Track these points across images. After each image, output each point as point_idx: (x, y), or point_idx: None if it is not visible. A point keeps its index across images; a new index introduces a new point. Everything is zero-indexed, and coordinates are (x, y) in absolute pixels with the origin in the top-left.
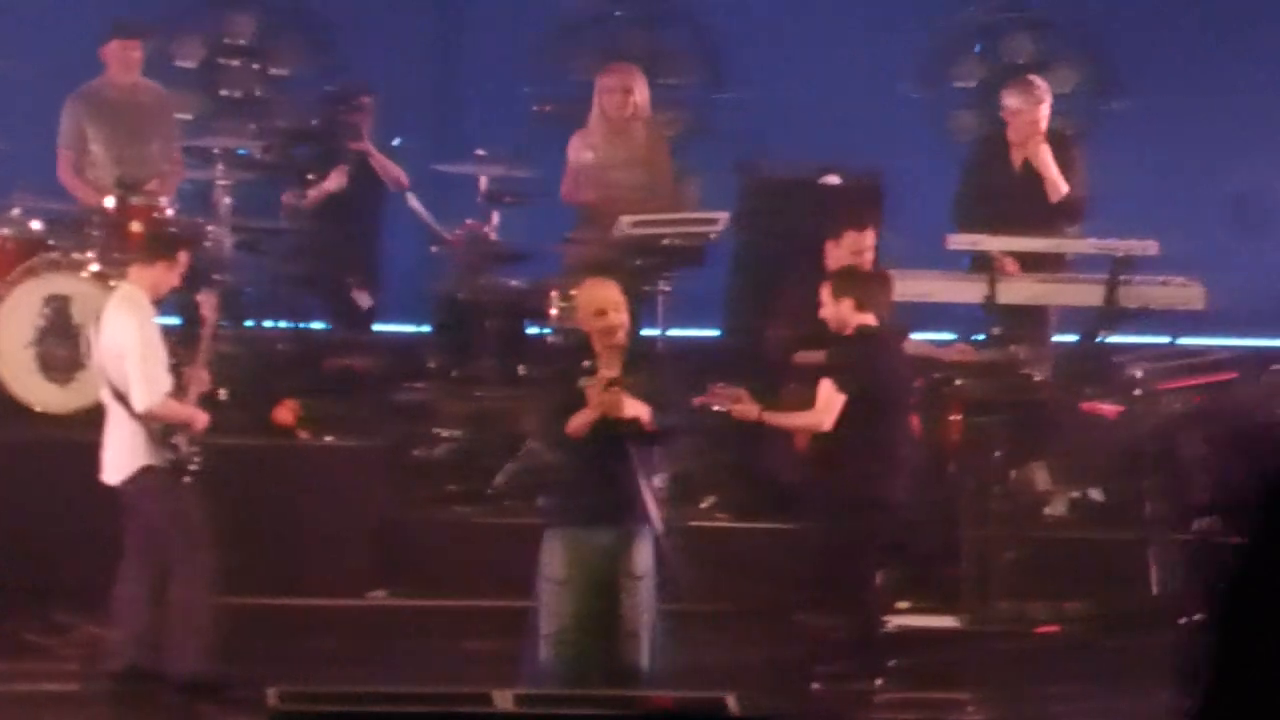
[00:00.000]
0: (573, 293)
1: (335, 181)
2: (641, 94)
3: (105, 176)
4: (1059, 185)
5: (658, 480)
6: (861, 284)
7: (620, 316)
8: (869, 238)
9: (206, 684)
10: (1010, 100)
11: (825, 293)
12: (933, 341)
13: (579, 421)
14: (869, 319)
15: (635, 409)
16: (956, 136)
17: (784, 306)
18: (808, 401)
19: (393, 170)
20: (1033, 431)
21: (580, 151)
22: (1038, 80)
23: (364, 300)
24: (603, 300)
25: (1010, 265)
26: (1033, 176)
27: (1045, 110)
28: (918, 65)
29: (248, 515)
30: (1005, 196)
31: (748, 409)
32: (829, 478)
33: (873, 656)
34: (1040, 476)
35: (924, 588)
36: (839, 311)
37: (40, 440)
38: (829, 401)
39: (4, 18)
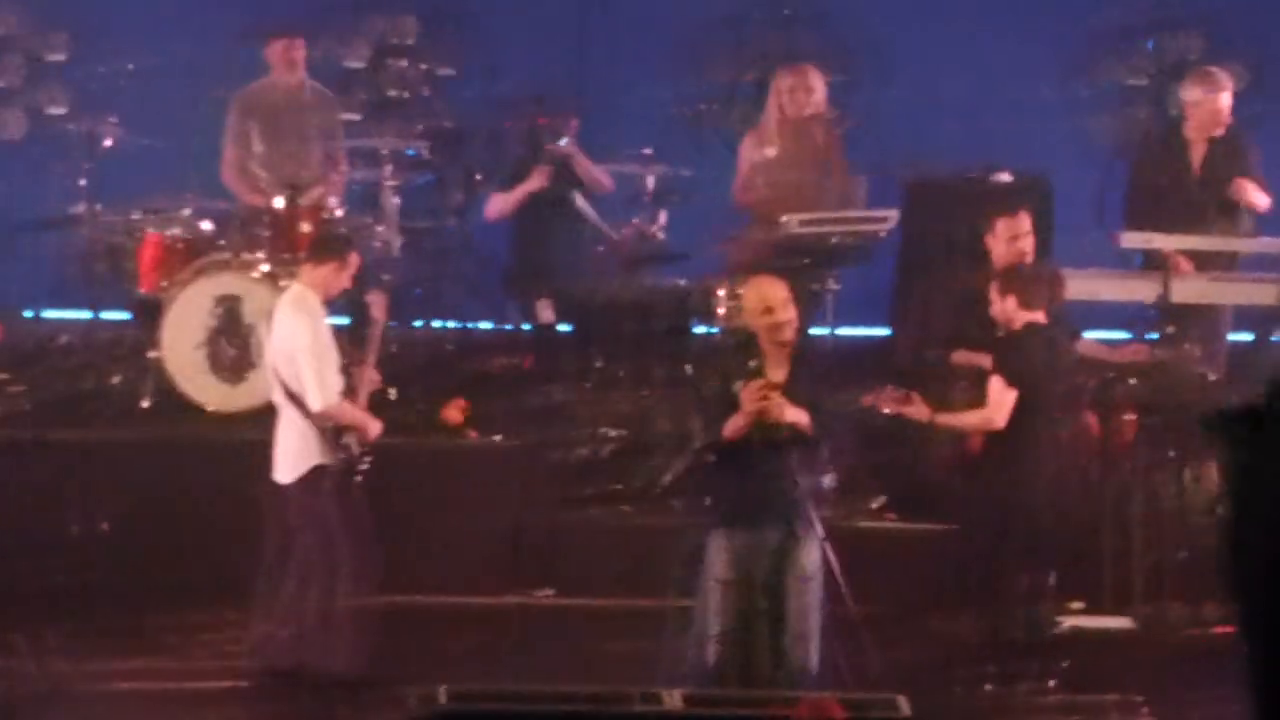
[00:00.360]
0: (740, 291)
1: (536, 182)
2: (820, 93)
3: (269, 177)
4: (1257, 203)
5: (826, 480)
6: (1027, 281)
7: (787, 314)
8: (1023, 222)
9: (368, 682)
10: (1190, 93)
11: (993, 290)
12: (1105, 341)
13: (734, 425)
14: (1035, 316)
15: (794, 414)
16: (1124, 134)
17: (948, 305)
18: (973, 401)
19: (598, 175)
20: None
21: (755, 152)
22: (1218, 71)
23: (546, 313)
24: (770, 298)
25: (1184, 264)
26: (1212, 172)
27: (1226, 101)
28: (1082, 63)
29: (412, 514)
30: (1181, 193)
31: (919, 410)
32: (997, 478)
33: (1035, 659)
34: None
35: (1096, 588)
36: (1005, 308)
37: (211, 439)
38: (1000, 398)
39: (174, 17)
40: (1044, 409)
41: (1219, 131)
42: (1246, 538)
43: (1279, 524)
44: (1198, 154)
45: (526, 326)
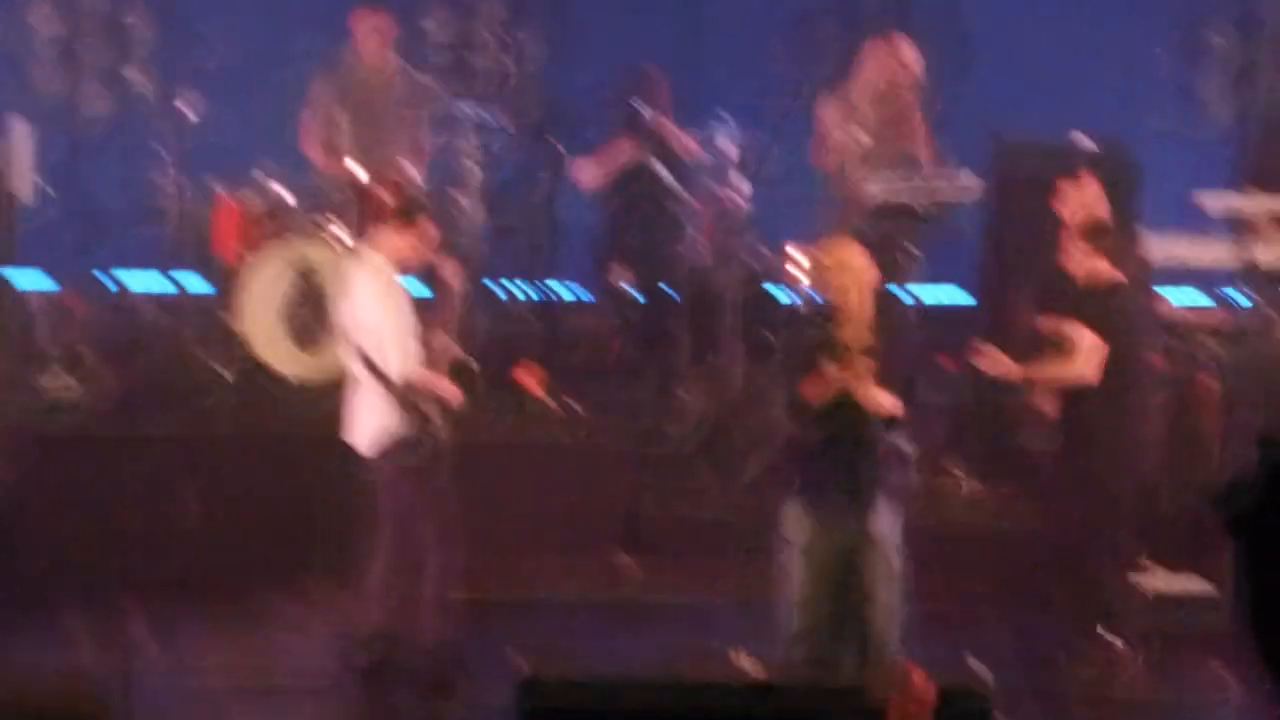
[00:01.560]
0: (821, 258)
1: (627, 154)
2: (912, 64)
3: (352, 150)
4: None
5: (907, 448)
6: (1112, 238)
7: (865, 279)
8: (1089, 187)
9: (454, 666)
10: None
11: (1075, 247)
12: (1189, 305)
13: (817, 391)
14: (1118, 275)
15: (872, 387)
16: (1212, 105)
17: (1034, 272)
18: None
19: (688, 144)
20: None
21: (837, 115)
22: None
23: (622, 277)
24: (849, 262)
25: (1271, 228)
26: None
27: None
28: (1168, 24)
29: (497, 487)
30: None
31: (1012, 369)
32: (1090, 438)
33: (1119, 630)
34: None
35: (1180, 555)
36: (1089, 265)
37: (293, 409)
38: (1091, 351)
39: None
40: (1134, 366)
41: None
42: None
43: None
44: None
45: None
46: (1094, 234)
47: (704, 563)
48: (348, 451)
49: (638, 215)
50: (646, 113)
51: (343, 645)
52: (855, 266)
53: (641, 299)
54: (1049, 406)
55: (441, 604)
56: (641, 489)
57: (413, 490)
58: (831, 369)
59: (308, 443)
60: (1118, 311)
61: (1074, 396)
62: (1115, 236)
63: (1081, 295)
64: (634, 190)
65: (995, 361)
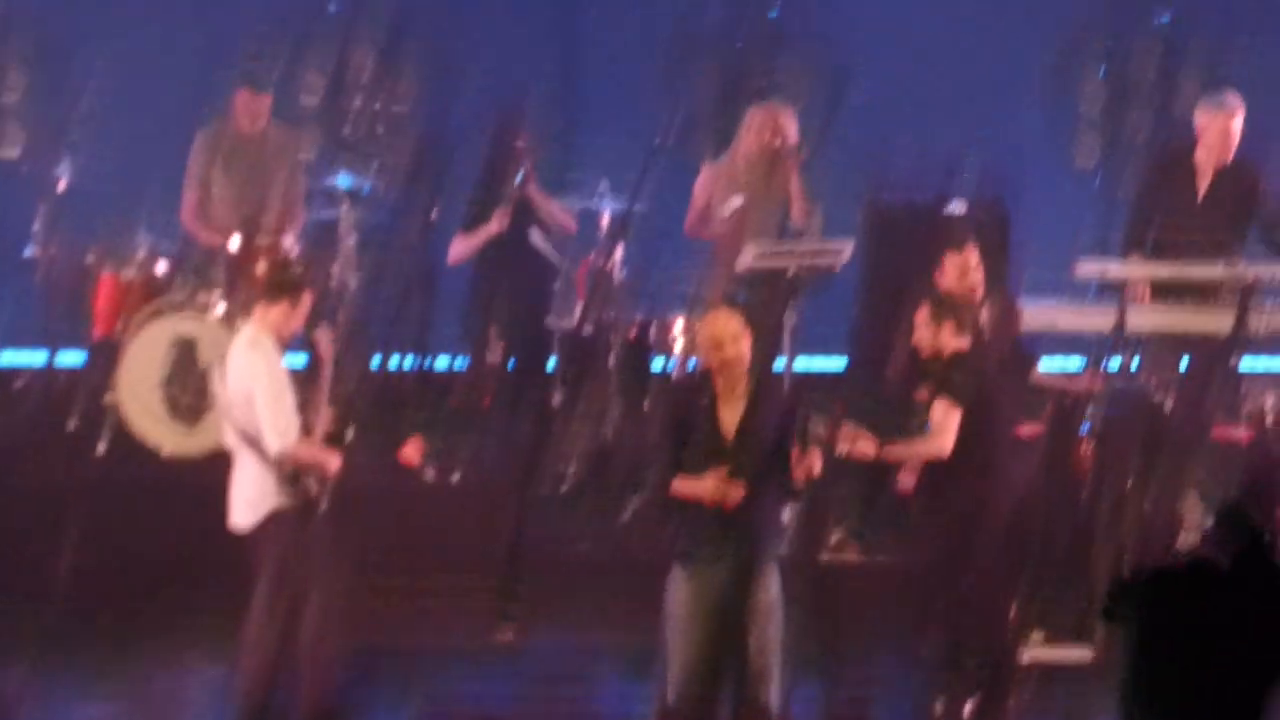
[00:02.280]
0: (698, 325)
1: (496, 224)
2: (792, 131)
3: (228, 218)
4: None
5: (785, 514)
6: (958, 308)
7: (736, 350)
8: (971, 257)
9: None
10: (1202, 116)
11: (922, 318)
12: (1063, 369)
13: (685, 489)
14: (964, 343)
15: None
16: (1078, 160)
17: (906, 336)
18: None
19: (559, 215)
20: (1165, 459)
21: (715, 184)
22: (1231, 96)
23: (495, 353)
24: (720, 333)
25: (1142, 292)
26: (1219, 201)
27: (1238, 125)
28: (1039, 88)
29: (375, 554)
30: (1186, 220)
31: (867, 447)
32: (944, 504)
33: (1004, 682)
34: (1191, 506)
35: (1057, 619)
36: (938, 335)
37: (169, 482)
38: (945, 422)
39: (130, 58)
40: (990, 431)
41: (1228, 158)
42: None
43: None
44: (1204, 181)
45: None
46: (945, 303)
47: (585, 609)
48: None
49: (509, 282)
50: (517, 181)
51: (223, 703)
52: (722, 334)
53: (513, 363)
54: (908, 480)
55: (323, 657)
56: (520, 534)
57: (290, 555)
58: (705, 492)
59: (183, 512)
60: (968, 380)
61: (931, 466)
62: (965, 304)
63: (933, 366)
64: (506, 256)
65: (854, 441)
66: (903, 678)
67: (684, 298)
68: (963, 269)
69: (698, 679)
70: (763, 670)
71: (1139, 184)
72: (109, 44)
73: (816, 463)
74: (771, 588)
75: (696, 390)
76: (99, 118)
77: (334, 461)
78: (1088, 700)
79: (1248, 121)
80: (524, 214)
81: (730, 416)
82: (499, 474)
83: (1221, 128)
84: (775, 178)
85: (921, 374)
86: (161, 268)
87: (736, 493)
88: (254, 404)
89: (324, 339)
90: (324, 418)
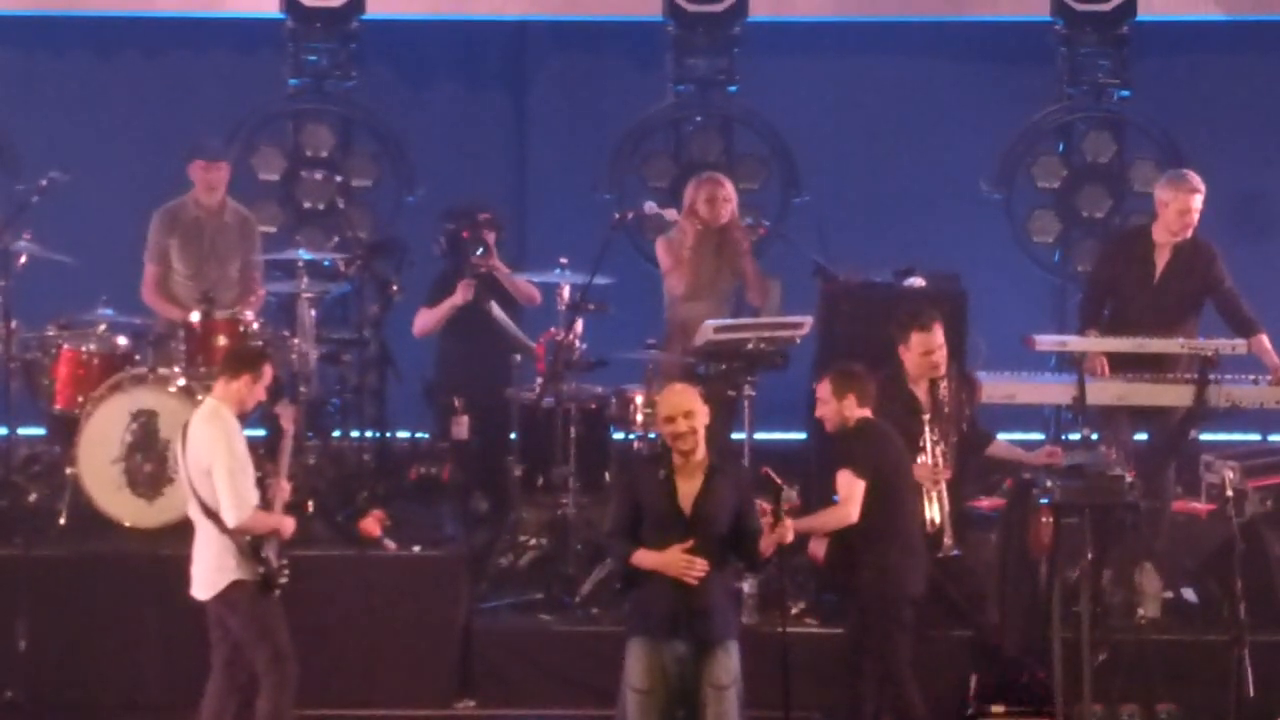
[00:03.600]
0: (657, 398)
1: (460, 296)
2: (733, 201)
3: (188, 293)
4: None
5: (746, 586)
6: (860, 380)
7: (688, 425)
8: (936, 337)
9: None
10: (1163, 193)
11: (824, 391)
12: (1020, 443)
13: (647, 561)
14: (866, 412)
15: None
16: (1036, 237)
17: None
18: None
19: (523, 287)
20: (1124, 533)
21: (667, 259)
22: (1190, 175)
23: (460, 429)
24: (673, 407)
25: (1099, 365)
26: (1177, 278)
27: (1196, 205)
28: (996, 165)
29: (332, 626)
30: (1144, 297)
31: (783, 533)
32: (854, 574)
33: None
34: (1149, 577)
35: (1016, 691)
36: (841, 408)
37: (129, 555)
38: (850, 491)
39: (89, 134)
40: (891, 500)
41: (1186, 235)
42: None
43: None
44: (1163, 257)
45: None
46: (848, 376)
47: (543, 681)
48: (183, 591)
49: (474, 355)
50: (477, 256)
51: None
52: (674, 409)
53: (472, 435)
54: (817, 549)
55: None
56: (479, 606)
57: (247, 627)
58: (670, 567)
59: (141, 583)
60: (875, 441)
61: (839, 533)
62: (865, 375)
63: (836, 440)
64: (461, 331)
65: (781, 532)
66: None
67: (643, 371)
68: (928, 347)
69: None
70: None
71: (1098, 259)
72: (69, 119)
73: (788, 533)
74: (731, 663)
75: (655, 463)
76: (59, 193)
77: (288, 526)
78: None
79: (1205, 198)
80: (488, 287)
81: (688, 489)
82: (459, 546)
83: (1181, 205)
84: (724, 249)
85: (832, 450)
86: (122, 341)
87: (700, 566)
88: (213, 477)
89: (286, 413)
90: (283, 490)
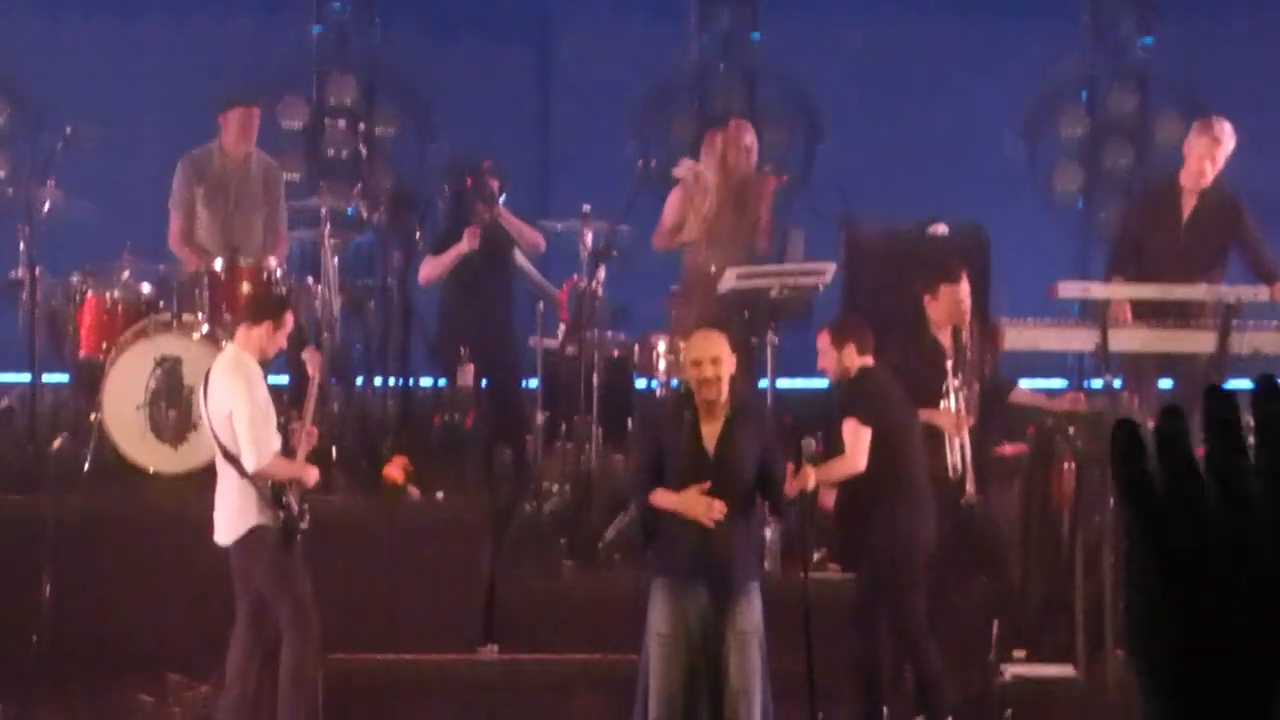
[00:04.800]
0: (681, 345)
1: (466, 244)
2: (753, 149)
3: (213, 242)
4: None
5: (768, 533)
6: (858, 329)
7: (716, 370)
8: (964, 288)
9: None
10: (1191, 142)
11: (823, 341)
12: (1044, 390)
13: (666, 502)
14: (868, 361)
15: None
16: (1059, 187)
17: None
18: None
19: (528, 234)
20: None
21: (684, 204)
22: (1220, 121)
23: (465, 377)
24: (701, 352)
25: (1124, 313)
26: (1204, 226)
27: (1223, 153)
28: (1021, 116)
29: (356, 573)
30: (1169, 241)
31: (805, 480)
32: (863, 524)
33: (941, 702)
34: None
35: (1039, 638)
36: (841, 358)
37: (154, 502)
38: (856, 439)
39: (113, 83)
40: (896, 448)
41: (1205, 182)
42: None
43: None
44: (1190, 205)
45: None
46: (847, 325)
47: (566, 628)
48: (207, 539)
49: (482, 304)
50: (488, 203)
51: (204, 718)
52: (700, 354)
53: (489, 384)
54: (827, 499)
55: (303, 678)
56: (502, 554)
57: (269, 573)
58: (688, 508)
59: (165, 531)
60: (878, 389)
61: (847, 484)
62: (863, 324)
63: (838, 390)
64: (477, 279)
65: (795, 481)
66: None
67: (666, 318)
68: (956, 298)
69: (678, 699)
70: (744, 691)
71: (1125, 206)
72: (94, 67)
73: (810, 480)
74: (754, 610)
75: (679, 406)
76: (84, 142)
77: (312, 474)
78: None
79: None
80: (497, 235)
81: (712, 433)
82: (482, 493)
83: (1200, 151)
84: (745, 197)
85: (836, 400)
86: (146, 289)
87: (719, 508)
88: (234, 423)
89: (313, 359)
90: (308, 437)
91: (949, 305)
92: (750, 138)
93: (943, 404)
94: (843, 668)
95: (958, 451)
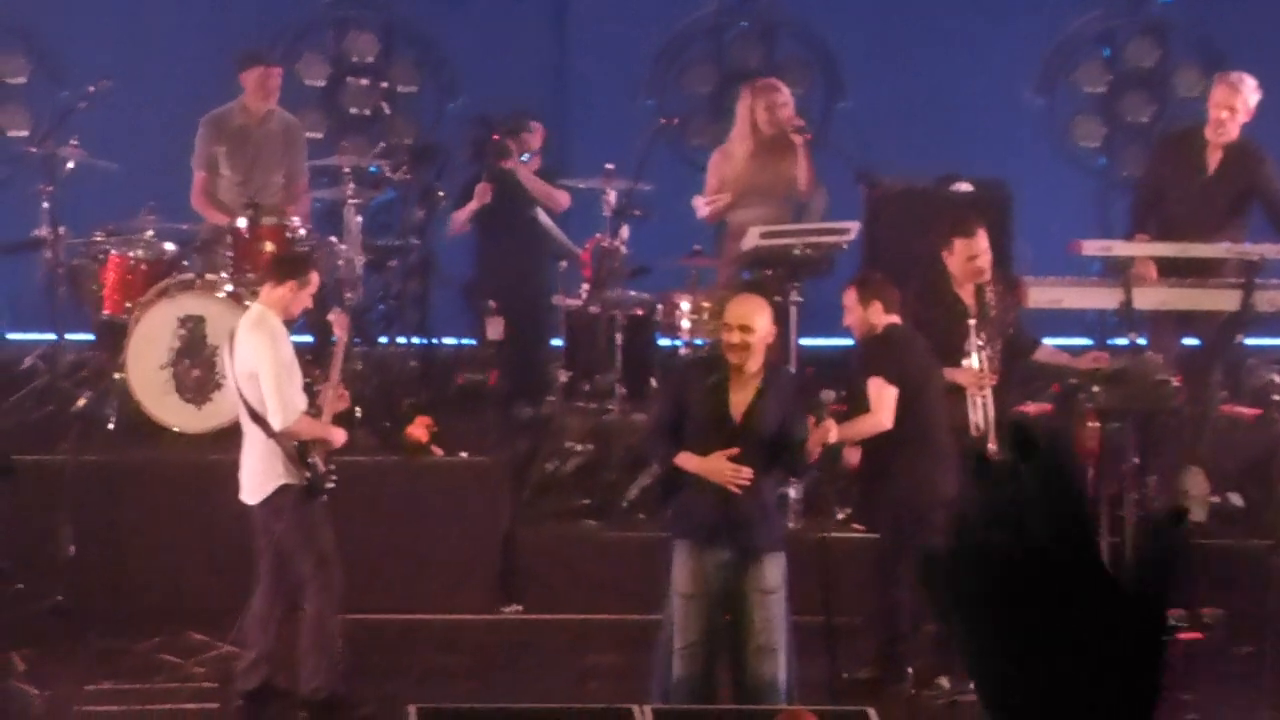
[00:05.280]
0: (704, 304)
1: (479, 199)
2: (789, 106)
3: (235, 200)
4: None
5: (791, 492)
6: (883, 287)
7: (745, 337)
8: (980, 242)
9: (337, 701)
10: (1213, 95)
11: (849, 299)
12: (1066, 348)
13: (690, 464)
14: (894, 318)
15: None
16: (1080, 142)
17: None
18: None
19: (549, 191)
20: (1169, 437)
21: (724, 166)
22: (1243, 76)
23: (495, 329)
24: (734, 316)
25: (1148, 270)
26: (1227, 178)
27: (1246, 106)
28: (1040, 70)
29: (377, 531)
30: (1193, 195)
31: (828, 432)
32: (886, 481)
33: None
34: (1196, 481)
35: None
36: (866, 315)
37: (177, 460)
38: (881, 397)
39: (134, 41)
40: (922, 405)
41: (1227, 135)
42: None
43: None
44: (1214, 158)
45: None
46: (872, 282)
47: (588, 586)
48: (229, 498)
49: (506, 259)
50: (501, 159)
51: (225, 676)
52: (731, 318)
53: (512, 339)
54: (852, 456)
55: (324, 637)
56: (523, 522)
57: (293, 532)
58: (714, 472)
59: (188, 489)
60: (904, 347)
61: (870, 440)
62: (888, 282)
63: (864, 339)
64: (498, 236)
65: (819, 435)
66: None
67: (688, 277)
68: (971, 253)
69: (700, 658)
70: (768, 648)
71: (1148, 160)
72: (115, 26)
73: (832, 433)
74: (777, 570)
75: (707, 368)
76: (105, 99)
77: (339, 436)
78: None
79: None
80: (517, 190)
81: (740, 399)
82: (504, 452)
83: (1219, 102)
84: (781, 153)
85: (859, 358)
86: (169, 247)
87: (745, 474)
88: (260, 381)
89: (339, 320)
90: (335, 398)
91: (963, 260)
92: (785, 94)
93: (964, 361)
94: (864, 624)
95: (980, 409)
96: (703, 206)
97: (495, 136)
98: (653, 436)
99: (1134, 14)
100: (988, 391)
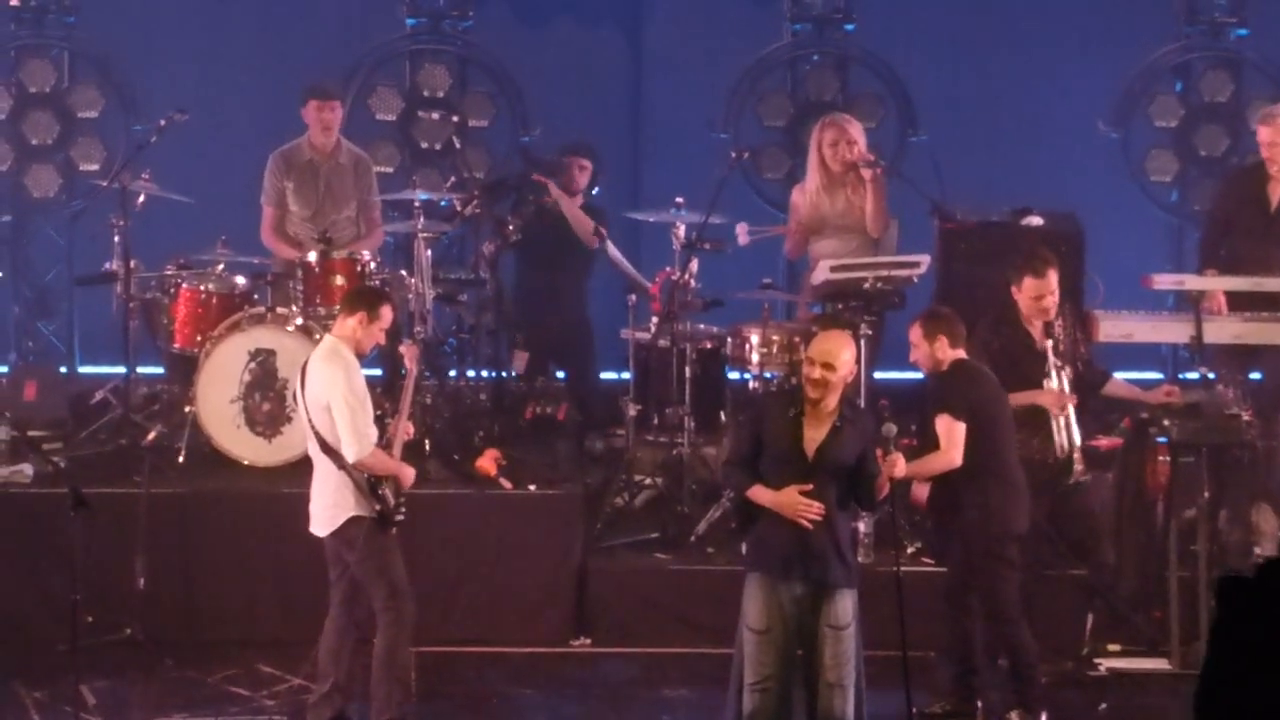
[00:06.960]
0: (774, 338)
1: (504, 238)
2: (861, 143)
3: (305, 235)
4: None
5: (862, 526)
6: (949, 322)
7: (825, 375)
8: (1050, 282)
9: None
10: (1260, 132)
11: (915, 335)
12: (1138, 382)
13: (763, 498)
14: (960, 353)
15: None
16: (1153, 176)
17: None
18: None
19: (585, 223)
20: (1241, 472)
21: (802, 203)
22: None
23: (520, 364)
24: (818, 353)
25: (1218, 304)
26: None
27: None
28: (1114, 104)
29: (449, 564)
30: (1258, 232)
31: (897, 468)
32: (957, 514)
33: (1035, 690)
34: (1266, 516)
35: (1132, 630)
36: (933, 351)
37: (248, 493)
38: (950, 434)
39: (207, 75)
40: (990, 440)
41: (1277, 167)
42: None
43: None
44: (1275, 193)
45: (560, 376)
46: (938, 318)
47: (659, 620)
48: (301, 531)
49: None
50: (541, 197)
51: (296, 708)
52: (815, 354)
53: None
54: (920, 493)
55: (396, 669)
56: (594, 555)
57: (364, 564)
58: (787, 506)
59: (259, 522)
60: (971, 382)
61: (941, 475)
62: (956, 317)
63: (932, 376)
64: (552, 268)
65: (889, 468)
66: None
67: (759, 310)
68: (1038, 293)
69: (772, 693)
70: (838, 684)
71: (1214, 196)
72: (189, 60)
73: (898, 466)
74: (848, 606)
75: (786, 400)
76: (178, 133)
77: (409, 475)
78: (1164, 713)
79: None
80: (563, 225)
81: (814, 434)
82: (574, 485)
83: (1265, 138)
84: (853, 187)
85: (930, 395)
86: (240, 281)
87: (816, 509)
88: (333, 414)
89: (410, 352)
90: (404, 430)
91: (1030, 298)
92: (854, 131)
93: (1045, 384)
94: (936, 658)
95: (1063, 431)
96: (743, 234)
97: (536, 177)
98: (729, 467)
99: (1208, 48)
100: (1070, 411)
